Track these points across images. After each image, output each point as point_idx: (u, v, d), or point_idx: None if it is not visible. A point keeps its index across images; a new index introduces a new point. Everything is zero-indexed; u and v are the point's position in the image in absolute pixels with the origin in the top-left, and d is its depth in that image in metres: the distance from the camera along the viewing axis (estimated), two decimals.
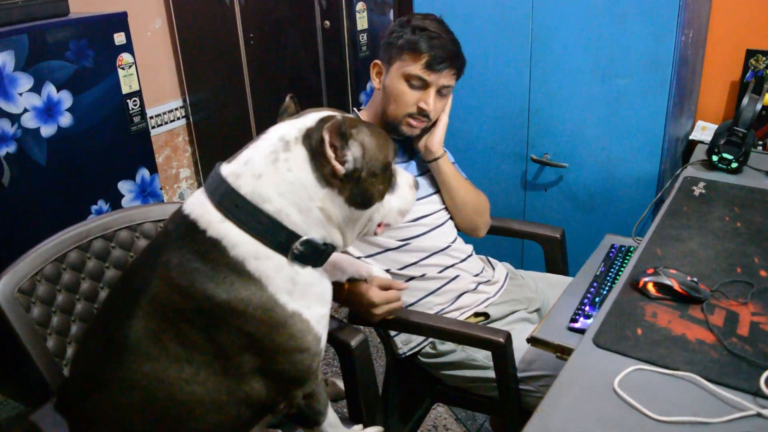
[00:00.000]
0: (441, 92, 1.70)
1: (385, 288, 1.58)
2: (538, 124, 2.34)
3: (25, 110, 2.20)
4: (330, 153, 1.11)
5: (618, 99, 2.16)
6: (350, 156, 1.13)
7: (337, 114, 1.18)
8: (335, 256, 1.53)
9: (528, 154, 2.40)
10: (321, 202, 1.14)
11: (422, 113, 1.69)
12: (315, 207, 1.14)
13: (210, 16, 3.07)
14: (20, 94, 2.18)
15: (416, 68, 1.65)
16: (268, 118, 3.17)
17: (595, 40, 2.12)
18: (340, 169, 1.12)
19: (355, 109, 1.84)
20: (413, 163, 1.83)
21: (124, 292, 1.20)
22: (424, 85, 1.67)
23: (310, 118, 1.17)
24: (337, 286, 1.54)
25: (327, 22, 2.73)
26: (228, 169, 1.15)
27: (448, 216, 1.87)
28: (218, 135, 3.41)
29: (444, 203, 1.86)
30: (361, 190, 1.17)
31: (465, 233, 1.93)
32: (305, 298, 1.18)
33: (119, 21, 2.46)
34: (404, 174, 1.34)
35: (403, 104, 1.68)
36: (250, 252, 1.11)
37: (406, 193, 1.32)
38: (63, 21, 2.32)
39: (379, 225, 1.30)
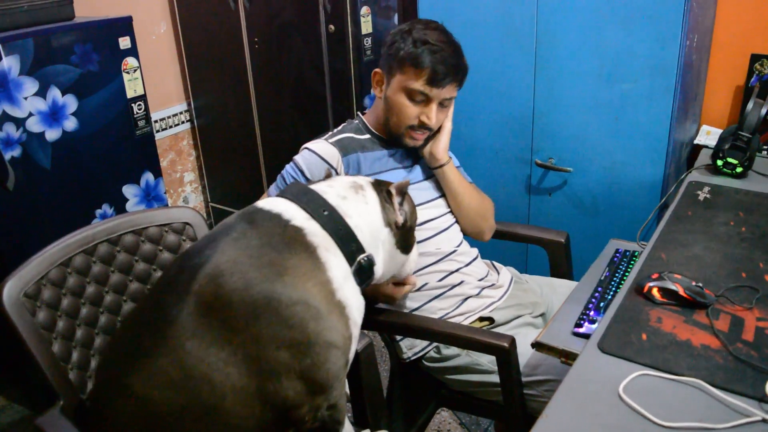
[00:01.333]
0: (442, 104, 1.70)
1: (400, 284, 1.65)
2: (543, 128, 2.34)
3: (30, 114, 2.21)
4: (396, 203, 1.40)
5: (622, 103, 2.16)
6: (406, 210, 1.43)
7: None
8: None
9: (532, 159, 2.40)
10: (381, 235, 1.37)
11: (423, 126, 1.69)
12: (377, 235, 1.36)
13: (215, 20, 3.08)
14: (25, 98, 2.18)
15: (418, 84, 1.64)
16: (272, 122, 3.19)
17: (600, 44, 2.12)
18: (401, 218, 1.41)
19: (359, 113, 1.85)
20: (418, 168, 1.83)
21: (177, 274, 1.22)
22: (426, 100, 1.66)
23: (365, 180, 1.43)
24: None
25: (331, 27, 2.74)
26: (312, 185, 1.35)
27: (454, 219, 1.88)
28: (223, 139, 3.41)
29: (449, 207, 1.86)
30: (406, 238, 1.45)
31: (470, 237, 1.93)
32: (350, 300, 1.27)
33: (124, 25, 2.47)
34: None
35: (405, 117, 1.69)
36: (324, 244, 1.25)
37: (415, 256, 1.58)
38: (68, 25, 2.33)
39: (397, 284, 1.60)
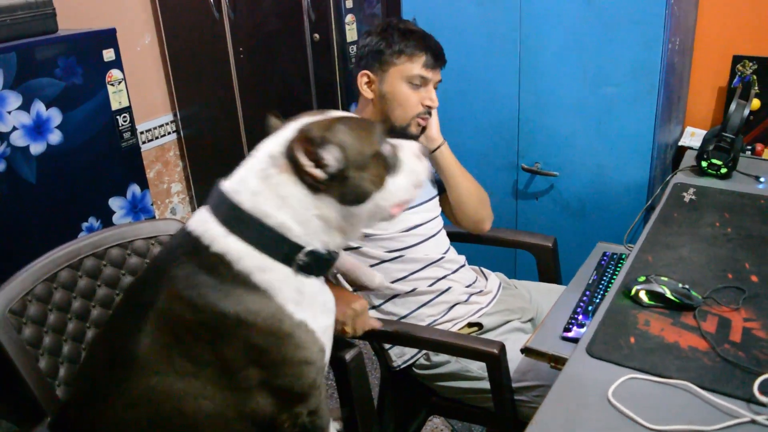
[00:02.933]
0: (434, 87, 1.76)
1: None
2: (529, 133, 2.35)
3: (14, 128, 2.19)
4: (305, 161, 1.11)
5: (607, 107, 2.17)
6: (330, 158, 1.12)
7: (318, 117, 1.21)
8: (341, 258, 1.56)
9: (519, 164, 2.40)
10: (316, 210, 1.15)
11: (429, 110, 1.74)
12: (312, 216, 1.15)
13: (199, 30, 3.07)
14: (9, 113, 2.17)
15: (417, 68, 1.69)
16: (259, 131, 3.15)
17: (583, 48, 2.14)
18: (320, 174, 1.12)
19: None
20: None
21: (130, 308, 1.20)
22: (424, 83, 1.72)
23: (292, 128, 1.18)
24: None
25: (316, 35, 2.74)
26: (228, 186, 1.16)
27: (442, 225, 1.88)
28: (209, 149, 3.40)
29: (436, 211, 1.87)
30: (351, 187, 1.16)
31: (470, 229, 1.93)
32: (312, 307, 1.19)
33: (108, 37, 2.46)
34: (407, 146, 1.29)
35: (410, 106, 1.72)
36: (256, 264, 1.12)
37: (415, 166, 1.28)
38: (51, 38, 2.31)
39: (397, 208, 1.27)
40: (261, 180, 1.14)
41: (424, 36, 1.72)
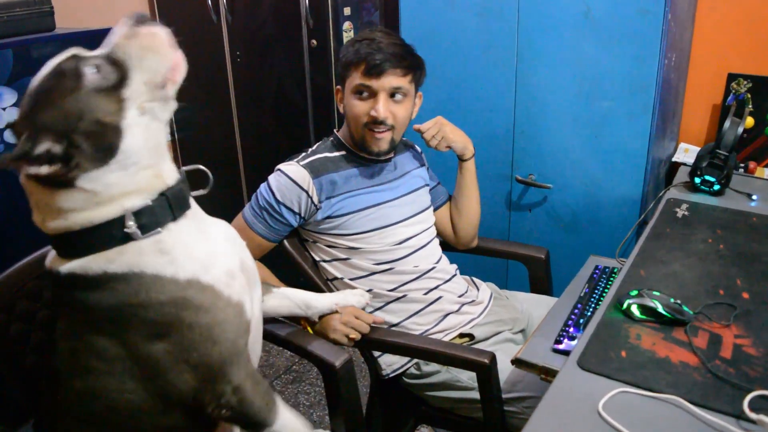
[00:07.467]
0: (394, 97, 1.67)
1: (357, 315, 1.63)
2: (523, 145, 2.35)
3: (8, 126, 2.18)
4: (36, 172, 0.98)
5: (602, 121, 2.18)
6: (48, 147, 0.97)
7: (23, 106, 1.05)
8: (302, 294, 1.57)
9: (513, 175, 2.41)
10: (90, 192, 1.03)
11: (376, 121, 1.66)
12: (93, 197, 1.03)
13: (197, 34, 3.07)
14: (3, 109, 2.16)
15: (357, 77, 1.65)
16: (253, 136, 3.17)
17: (580, 63, 2.15)
18: (54, 170, 0.98)
19: (334, 130, 1.83)
20: (398, 184, 1.81)
21: (50, 325, 1.18)
22: (372, 93, 1.65)
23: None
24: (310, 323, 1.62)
25: (314, 41, 2.74)
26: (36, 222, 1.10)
27: (433, 236, 1.88)
28: (204, 152, 3.39)
29: (432, 219, 1.90)
30: (90, 149, 1.00)
31: (462, 244, 1.98)
32: (194, 260, 1.10)
33: (105, 37, 2.44)
34: (113, 42, 1.10)
35: (357, 117, 1.68)
36: (101, 262, 1.05)
37: (137, 48, 1.07)
38: (49, 36, 2.30)
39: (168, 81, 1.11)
40: (36, 209, 1.07)
41: (371, 43, 1.64)
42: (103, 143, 1.01)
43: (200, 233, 1.15)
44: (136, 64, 1.05)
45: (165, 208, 1.09)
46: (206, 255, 1.13)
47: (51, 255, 1.11)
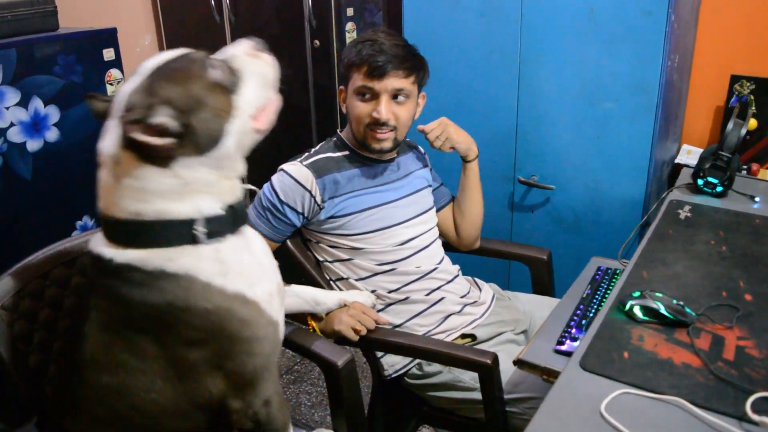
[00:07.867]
0: (397, 98, 1.68)
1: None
2: (526, 146, 2.35)
3: (12, 124, 2.18)
4: (146, 139, 1.01)
5: (605, 122, 2.18)
6: (165, 120, 1.02)
7: (137, 77, 1.07)
8: (311, 291, 1.59)
9: (515, 176, 2.41)
10: (181, 179, 1.06)
11: (378, 122, 1.66)
12: (180, 186, 1.07)
13: (200, 33, 3.07)
14: (7, 108, 2.16)
15: (360, 79, 1.65)
16: None
17: (583, 64, 2.14)
18: (167, 142, 1.02)
19: (337, 131, 1.84)
20: (401, 184, 1.82)
21: (80, 313, 1.19)
22: (374, 95, 1.66)
23: (117, 110, 1.06)
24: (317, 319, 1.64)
25: (317, 42, 2.74)
26: (102, 205, 1.12)
27: (435, 237, 1.88)
28: None
29: (435, 219, 1.90)
30: (201, 133, 1.06)
31: (464, 246, 1.98)
32: (242, 275, 1.13)
33: (109, 37, 2.46)
34: (238, 51, 1.18)
35: (359, 118, 1.68)
36: (163, 259, 1.07)
37: (255, 66, 1.16)
38: (52, 36, 2.31)
39: (259, 121, 1.17)
40: (115, 184, 1.08)
41: (374, 44, 1.64)
42: (210, 135, 1.07)
43: (247, 249, 1.18)
44: (250, 79, 1.13)
45: (229, 220, 1.13)
46: (252, 272, 1.16)
47: (96, 240, 1.11)
